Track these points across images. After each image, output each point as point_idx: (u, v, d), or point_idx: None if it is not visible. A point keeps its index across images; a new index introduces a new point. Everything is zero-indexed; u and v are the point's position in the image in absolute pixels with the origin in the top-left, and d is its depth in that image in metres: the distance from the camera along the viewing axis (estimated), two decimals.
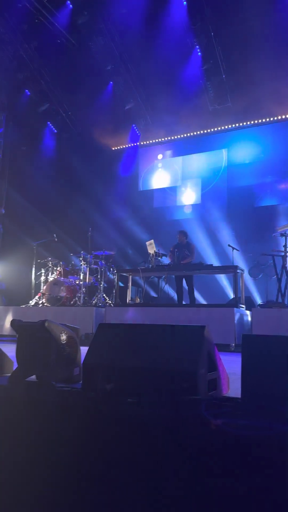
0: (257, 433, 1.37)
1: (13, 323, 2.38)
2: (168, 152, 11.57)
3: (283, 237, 5.95)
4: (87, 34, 9.34)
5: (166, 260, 7.50)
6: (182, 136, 11.16)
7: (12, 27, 9.03)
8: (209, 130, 10.79)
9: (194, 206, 11.06)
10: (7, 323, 6.95)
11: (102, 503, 1.63)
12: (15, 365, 2.39)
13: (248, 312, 6.21)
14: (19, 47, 9.56)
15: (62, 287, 7.72)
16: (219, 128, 10.65)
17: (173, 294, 8.27)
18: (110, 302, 7.80)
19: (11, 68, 9.90)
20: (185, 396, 1.69)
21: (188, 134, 11.07)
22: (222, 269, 7.38)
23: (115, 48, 9.51)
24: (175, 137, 11.24)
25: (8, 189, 10.75)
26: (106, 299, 7.87)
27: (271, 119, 10.03)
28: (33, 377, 2.33)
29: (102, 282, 7.94)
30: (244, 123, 10.33)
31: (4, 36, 9.20)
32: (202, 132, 10.89)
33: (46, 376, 2.19)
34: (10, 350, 2.66)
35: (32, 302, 8.04)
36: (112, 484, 1.64)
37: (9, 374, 2.37)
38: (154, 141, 11.53)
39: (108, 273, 8.42)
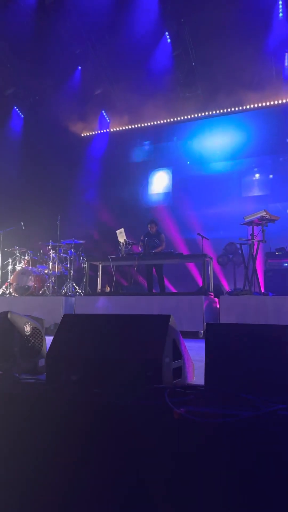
0: (219, 420, 1.39)
1: None
2: (139, 140, 11.48)
3: (250, 226, 6.05)
4: (55, 16, 9.04)
5: (136, 249, 7.50)
6: (152, 123, 11.08)
7: None
8: (179, 118, 10.76)
9: (165, 194, 11.07)
10: None
11: (66, 496, 1.62)
12: None
13: (216, 300, 6.31)
14: None
15: (30, 277, 7.58)
16: (189, 116, 10.63)
17: (144, 282, 8.29)
18: (80, 291, 7.74)
19: None
20: (150, 385, 1.70)
21: (159, 122, 11.00)
22: (191, 258, 7.45)
23: (84, 31, 9.29)
24: (146, 124, 11.15)
25: None
26: (76, 288, 7.80)
27: (241, 108, 10.11)
28: None
29: (72, 271, 7.85)
30: (214, 112, 10.36)
31: None
32: (172, 120, 10.86)
33: (9, 368, 2.14)
34: None
35: None
36: (77, 476, 1.63)
37: None
38: (124, 128, 11.40)
39: (78, 262, 8.33)
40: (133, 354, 1.83)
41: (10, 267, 8.09)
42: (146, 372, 1.76)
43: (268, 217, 5.77)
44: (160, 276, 7.57)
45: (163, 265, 7.65)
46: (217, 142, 10.40)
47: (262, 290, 6.48)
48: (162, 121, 10.96)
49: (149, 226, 7.85)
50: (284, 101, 9.67)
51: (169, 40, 9.32)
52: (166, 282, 8.15)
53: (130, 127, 11.31)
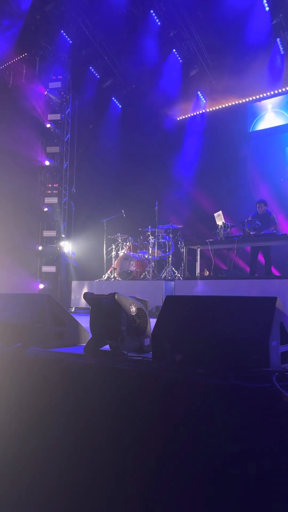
0: None
1: (85, 296, 2.49)
2: (238, 117, 10.96)
3: None
4: (148, 2, 9.07)
5: (235, 232, 7.28)
6: (251, 98, 10.49)
7: (72, 5, 9.08)
8: (281, 90, 10.04)
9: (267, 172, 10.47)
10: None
11: (170, 470, 1.68)
12: (90, 336, 2.52)
13: None
14: (81, 23, 9.59)
15: (132, 262, 7.90)
16: None
17: (244, 266, 8.04)
18: (179, 275, 7.83)
19: (75, 47, 10.00)
20: (256, 367, 1.66)
21: (259, 96, 10.38)
22: None
23: (177, 13, 9.14)
24: (244, 100, 10.61)
25: (78, 168, 11.07)
26: (175, 272, 7.90)
27: None
28: (107, 346, 2.44)
29: (171, 256, 7.97)
30: None
31: (66, 15, 9.29)
32: (274, 92, 10.16)
33: (118, 345, 2.27)
34: (86, 321, 2.80)
35: (104, 277, 8.35)
36: (180, 451, 1.68)
37: (85, 344, 2.50)
38: (221, 106, 11.00)
39: (176, 246, 8.41)
40: (238, 336, 1.80)
41: (113, 253, 8.52)
42: (252, 355, 1.72)
43: None
44: (267, 260, 7.25)
45: (271, 247, 7.28)
46: None
47: None
48: (262, 95, 10.33)
49: (257, 205, 7.54)
50: None
51: (267, 8, 8.69)
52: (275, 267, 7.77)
53: (228, 104, 10.88)
